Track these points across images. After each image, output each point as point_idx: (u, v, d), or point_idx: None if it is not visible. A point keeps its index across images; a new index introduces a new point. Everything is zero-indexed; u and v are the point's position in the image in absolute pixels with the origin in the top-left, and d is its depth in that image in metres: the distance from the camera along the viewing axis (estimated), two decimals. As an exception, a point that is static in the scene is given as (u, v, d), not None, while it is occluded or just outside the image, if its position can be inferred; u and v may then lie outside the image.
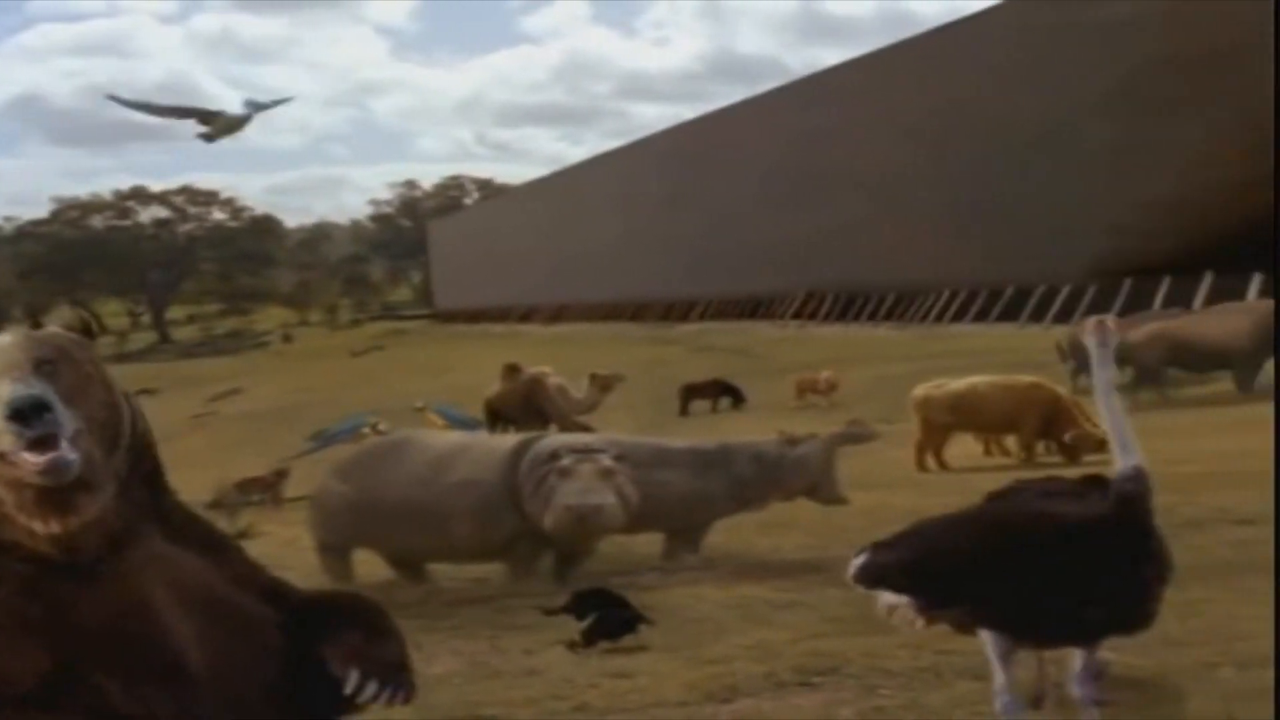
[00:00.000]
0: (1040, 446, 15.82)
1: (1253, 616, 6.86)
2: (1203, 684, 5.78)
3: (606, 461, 8.97)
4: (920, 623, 4.88)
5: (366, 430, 17.92)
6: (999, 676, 4.58)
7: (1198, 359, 20.36)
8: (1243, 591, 7.46)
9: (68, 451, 2.35)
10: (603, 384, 20.66)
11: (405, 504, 9.48)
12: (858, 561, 4.88)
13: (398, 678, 2.77)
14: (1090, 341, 4.68)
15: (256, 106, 11.26)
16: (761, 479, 9.95)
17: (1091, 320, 4.74)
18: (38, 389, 2.35)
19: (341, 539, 9.97)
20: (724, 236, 56.37)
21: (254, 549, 9.35)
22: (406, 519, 9.46)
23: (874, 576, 4.82)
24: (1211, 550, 8.49)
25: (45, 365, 2.43)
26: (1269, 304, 20.90)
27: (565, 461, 8.85)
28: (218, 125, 10.96)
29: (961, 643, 5.01)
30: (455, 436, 11.59)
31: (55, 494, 2.36)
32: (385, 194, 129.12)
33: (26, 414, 2.31)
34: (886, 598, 4.91)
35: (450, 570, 10.19)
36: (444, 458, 9.67)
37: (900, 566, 4.75)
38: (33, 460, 2.33)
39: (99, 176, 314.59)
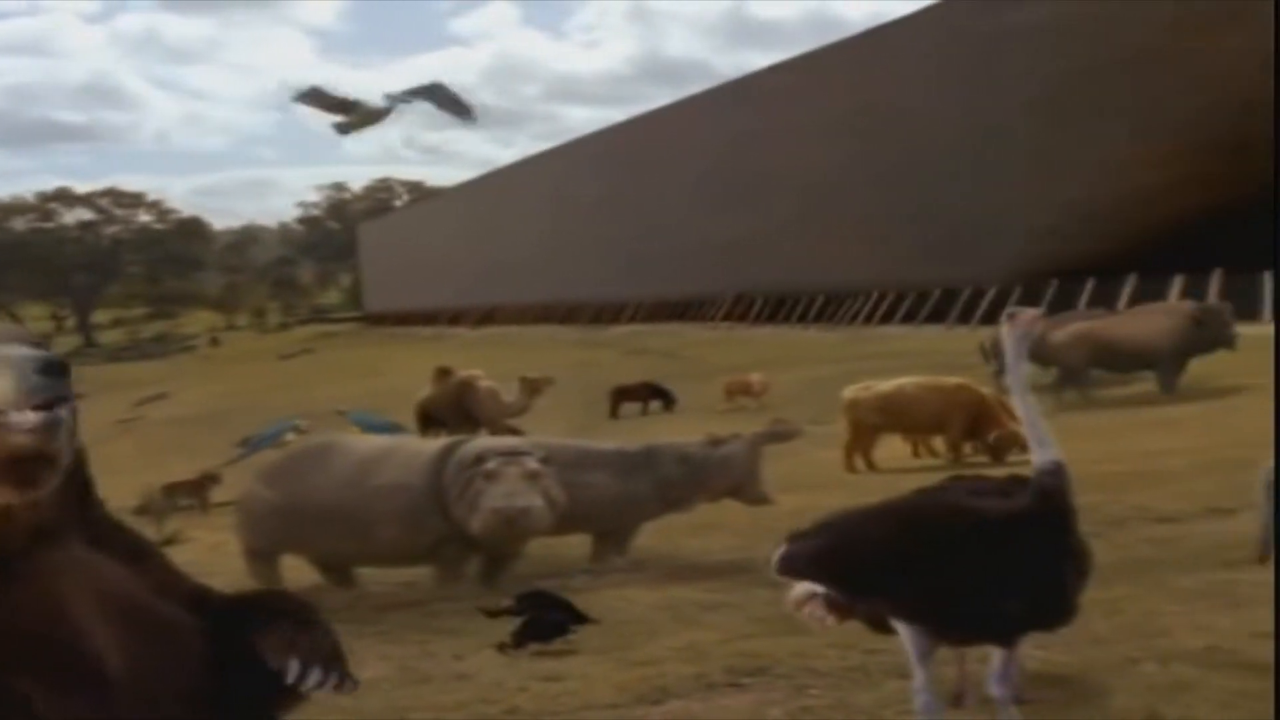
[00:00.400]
0: (968, 447, 15.95)
1: (1174, 612, 6.97)
2: (1125, 679, 5.85)
3: (533, 464, 8.97)
4: (830, 619, 4.90)
5: (291, 435, 17.83)
6: (918, 674, 4.61)
7: (1121, 360, 20.60)
8: (1164, 588, 7.58)
9: (61, 411, 2.35)
10: (532, 387, 20.64)
11: (331, 508, 9.43)
12: (779, 553, 4.90)
13: (338, 666, 2.76)
14: (1006, 334, 4.73)
15: (395, 99, 11.09)
16: (686, 480, 9.99)
17: (1008, 312, 4.79)
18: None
19: (268, 544, 9.90)
20: (654, 239, 56.44)
21: (181, 555, 9.29)
22: (332, 523, 9.41)
23: (793, 567, 4.84)
24: (1134, 548, 8.60)
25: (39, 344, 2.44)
26: (1190, 305, 21.22)
27: (491, 465, 8.84)
28: (356, 116, 10.83)
29: (889, 642, 5.05)
30: (381, 440, 11.54)
31: (21, 463, 2.34)
32: (314, 196, 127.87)
33: (57, 369, 2.31)
34: (796, 591, 4.93)
35: (378, 575, 10.16)
36: (370, 462, 9.63)
37: (817, 556, 4.77)
38: (32, 417, 2.32)
39: (21, 178, 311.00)
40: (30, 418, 2.38)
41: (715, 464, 9.99)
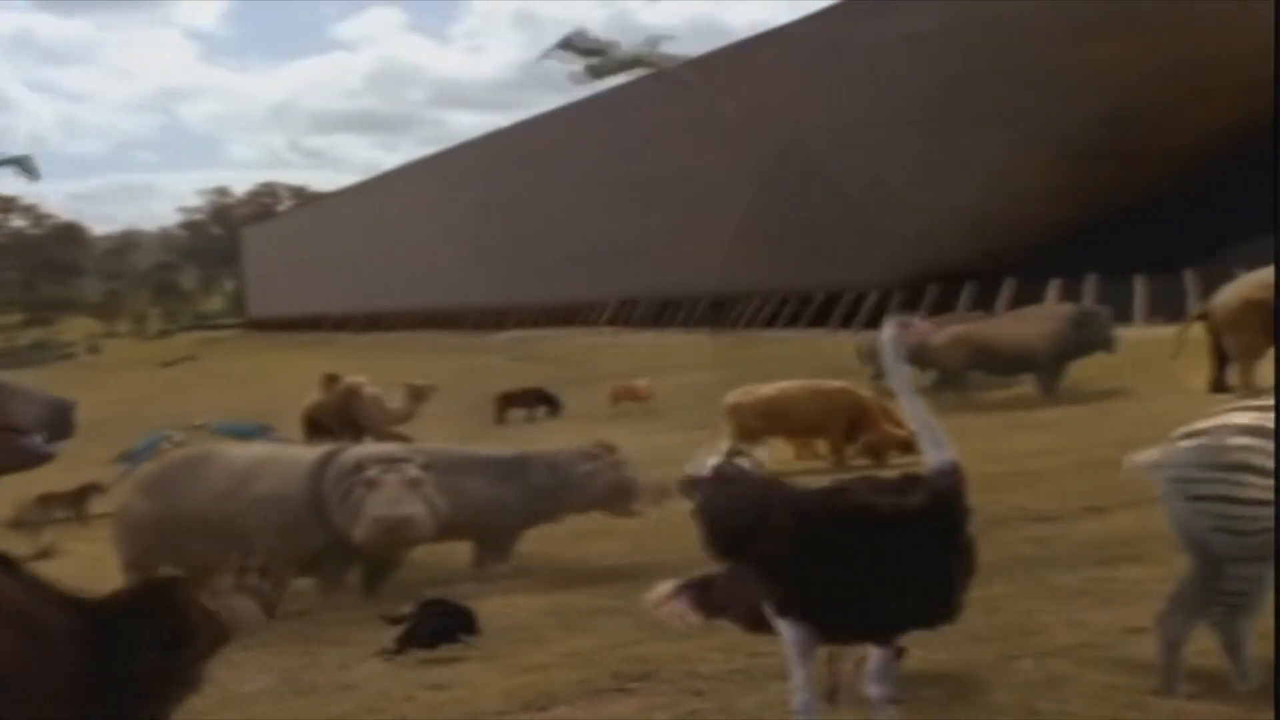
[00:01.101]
0: (850, 450, 16.12)
1: (1050, 610, 7.10)
2: (1003, 676, 5.94)
3: (413, 471, 8.90)
4: (693, 617, 4.91)
5: (166, 446, 17.53)
6: (797, 674, 4.63)
7: (1000, 362, 20.90)
8: (1042, 586, 7.71)
9: None
10: (416, 394, 20.49)
11: (208, 519, 9.27)
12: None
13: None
14: (887, 339, 4.77)
15: (653, 44, 10.78)
16: (555, 490, 10.00)
17: (898, 320, 4.83)
18: None
19: (146, 556, 9.68)
20: (539, 244, 56.30)
21: (57, 568, 9.06)
22: (210, 535, 9.21)
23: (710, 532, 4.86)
24: (1013, 547, 8.75)
25: None
26: (1068, 308, 21.59)
27: (371, 472, 8.75)
28: (606, 62, 10.57)
29: (773, 645, 5.07)
30: (259, 449, 11.31)
31: None
32: (196, 201, 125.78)
33: None
34: (657, 591, 4.96)
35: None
36: (247, 471, 9.48)
37: (722, 539, 4.79)
38: None
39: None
40: None
41: (582, 477, 10.00)
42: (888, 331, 4.71)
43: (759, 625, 4.83)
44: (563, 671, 6.53)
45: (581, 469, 10.07)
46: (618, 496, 10.13)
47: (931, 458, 4.43)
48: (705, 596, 4.93)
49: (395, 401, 20.32)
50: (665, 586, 4.96)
